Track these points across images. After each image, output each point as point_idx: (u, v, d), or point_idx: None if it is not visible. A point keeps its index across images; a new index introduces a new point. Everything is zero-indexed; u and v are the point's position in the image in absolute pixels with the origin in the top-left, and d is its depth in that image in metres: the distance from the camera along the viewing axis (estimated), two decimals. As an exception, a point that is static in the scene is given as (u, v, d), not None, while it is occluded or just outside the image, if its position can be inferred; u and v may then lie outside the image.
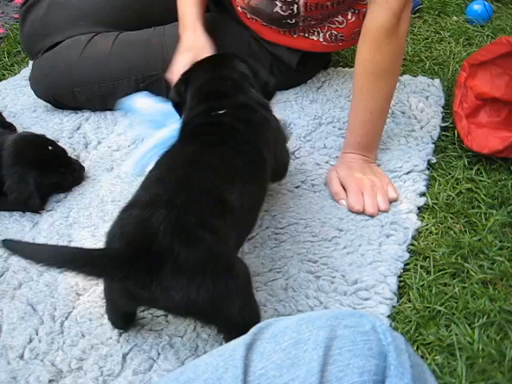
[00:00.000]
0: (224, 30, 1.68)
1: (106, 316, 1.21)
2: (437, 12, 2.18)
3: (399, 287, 1.22)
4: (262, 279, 1.25)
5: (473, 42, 1.97)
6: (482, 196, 1.40)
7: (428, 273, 1.24)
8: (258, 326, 0.74)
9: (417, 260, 1.27)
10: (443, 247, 1.29)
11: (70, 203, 1.53)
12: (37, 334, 1.20)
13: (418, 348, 1.11)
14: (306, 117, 1.71)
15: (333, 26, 1.65)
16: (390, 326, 1.13)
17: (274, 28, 1.67)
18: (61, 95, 1.81)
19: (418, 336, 1.13)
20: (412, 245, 1.30)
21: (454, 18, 2.13)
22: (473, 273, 1.22)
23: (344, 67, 1.92)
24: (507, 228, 1.32)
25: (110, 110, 1.82)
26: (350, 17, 1.63)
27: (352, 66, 1.83)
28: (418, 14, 2.17)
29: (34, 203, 1.49)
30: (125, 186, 1.54)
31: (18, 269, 1.35)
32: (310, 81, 1.85)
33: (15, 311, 1.25)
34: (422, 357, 1.08)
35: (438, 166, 1.51)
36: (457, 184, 1.45)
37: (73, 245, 1.39)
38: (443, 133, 1.60)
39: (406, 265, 1.27)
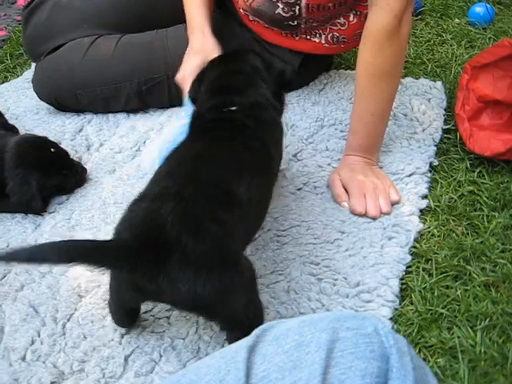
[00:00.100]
0: (226, 32, 1.68)
1: (107, 318, 1.21)
2: (439, 14, 2.18)
3: (401, 290, 1.22)
4: (264, 281, 1.25)
5: (475, 44, 1.97)
6: (484, 198, 1.40)
7: (430, 275, 1.24)
8: (260, 328, 0.74)
9: (419, 262, 1.27)
10: (445, 250, 1.29)
11: (72, 205, 1.53)
12: (39, 336, 1.20)
13: (420, 350, 1.10)
14: (308, 119, 1.71)
15: (334, 27, 1.65)
16: (392, 328, 1.13)
17: (275, 30, 1.68)
18: (63, 98, 1.82)
19: (420, 338, 1.12)
20: (414, 247, 1.30)
21: (456, 20, 2.13)
22: (475, 275, 1.22)
23: (346, 69, 1.92)
24: (509, 230, 1.32)
25: (113, 112, 1.83)
26: (351, 18, 1.63)
27: (354, 69, 1.83)
28: (419, 17, 2.17)
29: (36, 205, 1.49)
30: (127, 188, 1.55)
31: (20, 271, 1.35)
32: (312, 83, 1.85)
33: (17, 313, 1.25)
34: (424, 359, 1.08)
35: (440, 168, 1.51)
36: (459, 186, 1.45)
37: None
38: (445, 135, 1.60)
39: (408, 267, 1.27)
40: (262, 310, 1.09)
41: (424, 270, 1.25)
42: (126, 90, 1.77)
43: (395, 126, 1.63)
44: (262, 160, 1.18)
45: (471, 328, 1.13)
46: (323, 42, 1.69)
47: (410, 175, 1.48)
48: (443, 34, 2.06)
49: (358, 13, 1.62)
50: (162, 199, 0.99)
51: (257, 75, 1.29)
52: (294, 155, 1.59)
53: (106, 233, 1.41)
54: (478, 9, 2.09)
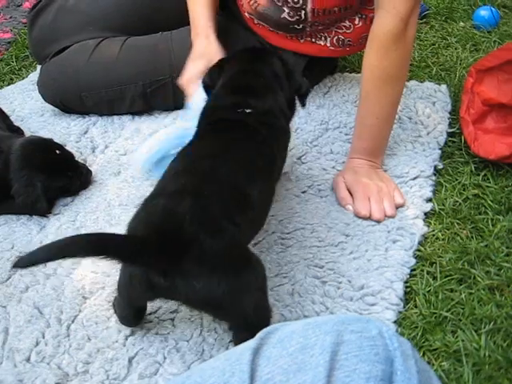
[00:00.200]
0: (231, 35, 1.68)
1: (112, 319, 1.22)
2: (444, 18, 2.17)
3: (405, 293, 1.22)
4: (269, 284, 1.24)
5: (480, 47, 1.97)
6: (489, 202, 1.39)
7: (434, 278, 1.24)
8: (264, 330, 0.74)
9: (423, 266, 1.27)
10: (450, 253, 1.28)
11: (77, 207, 1.54)
12: (43, 337, 1.20)
13: (424, 354, 1.10)
14: (312, 122, 1.71)
15: (340, 30, 1.66)
16: (396, 331, 1.13)
17: (280, 33, 1.68)
18: (68, 100, 1.82)
19: (424, 342, 1.12)
20: (418, 250, 1.30)
21: (461, 23, 2.13)
22: (479, 279, 1.22)
23: (351, 73, 1.92)
24: (514, 234, 1.32)
25: (117, 114, 1.83)
26: (357, 22, 1.63)
27: (359, 72, 1.83)
28: (424, 20, 2.17)
29: (42, 207, 1.49)
30: (132, 190, 1.55)
31: (25, 272, 1.35)
32: (317, 86, 1.85)
33: (22, 314, 1.26)
34: (429, 363, 1.08)
35: (445, 171, 1.51)
36: (463, 190, 1.44)
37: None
38: (450, 138, 1.60)
39: (412, 270, 1.27)
40: (271, 311, 1.10)
41: (428, 273, 1.25)
42: (131, 92, 1.77)
43: (400, 129, 1.63)
44: (270, 165, 1.20)
45: (475, 331, 1.13)
46: (328, 44, 1.69)
47: (415, 178, 1.48)
48: (448, 38, 2.05)
49: (364, 16, 1.62)
50: (179, 197, 1.01)
51: (276, 81, 1.31)
52: (299, 158, 1.59)
53: (110, 235, 1.41)
54: (483, 12, 2.08)
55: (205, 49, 1.53)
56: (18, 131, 1.77)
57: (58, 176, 1.53)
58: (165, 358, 1.14)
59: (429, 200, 1.42)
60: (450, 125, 1.64)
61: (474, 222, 1.36)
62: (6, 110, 1.83)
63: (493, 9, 2.09)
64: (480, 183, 1.45)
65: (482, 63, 1.55)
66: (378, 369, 0.67)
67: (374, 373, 0.66)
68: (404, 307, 1.19)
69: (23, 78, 2.15)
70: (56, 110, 1.89)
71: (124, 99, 1.79)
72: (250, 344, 0.72)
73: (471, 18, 2.13)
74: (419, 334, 1.13)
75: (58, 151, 1.55)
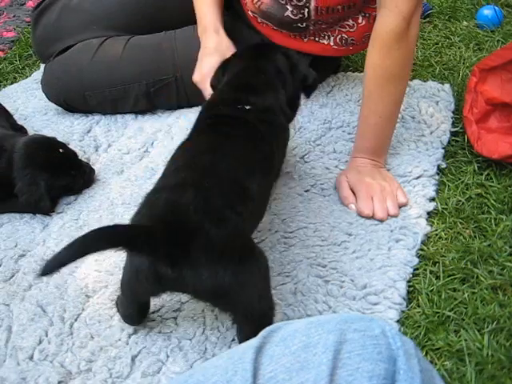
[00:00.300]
0: (235, 34, 1.68)
1: (115, 318, 1.22)
2: (447, 17, 2.17)
3: (408, 292, 1.22)
4: (271, 283, 1.25)
5: (483, 47, 1.97)
6: (492, 201, 1.39)
7: (437, 278, 1.24)
8: (267, 329, 0.74)
9: (426, 265, 1.27)
10: (453, 252, 1.28)
11: (80, 206, 1.54)
12: (46, 336, 1.21)
13: (426, 353, 1.10)
14: (315, 121, 1.71)
15: (343, 29, 1.65)
16: (399, 330, 1.13)
17: (284, 32, 1.68)
18: (72, 99, 1.82)
19: (426, 341, 1.12)
20: (421, 250, 1.30)
21: (465, 22, 2.13)
22: (482, 278, 1.22)
23: (354, 72, 1.92)
24: (517, 233, 1.32)
25: (121, 113, 1.83)
26: (360, 20, 1.63)
27: (362, 71, 1.83)
28: (428, 19, 2.17)
29: (45, 205, 1.50)
30: (135, 188, 1.55)
31: (28, 270, 1.36)
32: (320, 85, 1.85)
33: (25, 312, 1.26)
34: (431, 362, 1.08)
35: (448, 171, 1.51)
36: (466, 189, 1.44)
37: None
38: (453, 138, 1.60)
39: (415, 270, 1.26)
40: (274, 305, 1.11)
41: (431, 272, 1.25)
42: (135, 91, 1.77)
43: (403, 129, 1.63)
44: (269, 161, 1.22)
45: (478, 331, 1.12)
46: (332, 43, 1.69)
47: (418, 178, 1.48)
48: (451, 37, 2.05)
49: (367, 15, 1.62)
50: (181, 189, 1.03)
51: (278, 79, 1.33)
52: (302, 157, 1.59)
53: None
54: (487, 11, 2.08)
55: (216, 44, 1.53)
56: (21, 130, 1.78)
57: (62, 175, 1.53)
58: (168, 356, 1.15)
59: (432, 199, 1.42)
60: (454, 124, 1.64)
61: (477, 222, 1.35)
62: (9, 109, 1.84)
63: (496, 8, 2.08)
64: (483, 182, 1.45)
65: (485, 62, 1.55)
66: (381, 368, 0.67)
67: (376, 372, 0.67)
68: (407, 306, 1.19)
69: (27, 77, 2.16)
70: (59, 108, 1.89)
71: (127, 98, 1.79)
72: (253, 343, 0.72)
73: (474, 17, 2.13)
74: (422, 333, 1.13)
75: (61, 150, 1.56)
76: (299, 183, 1.51)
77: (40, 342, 1.20)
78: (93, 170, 1.60)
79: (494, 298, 1.18)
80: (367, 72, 1.43)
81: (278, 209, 1.43)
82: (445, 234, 1.33)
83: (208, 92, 1.43)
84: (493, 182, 1.45)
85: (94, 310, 1.25)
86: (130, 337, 1.19)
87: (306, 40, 1.69)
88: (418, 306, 1.19)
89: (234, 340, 1.15)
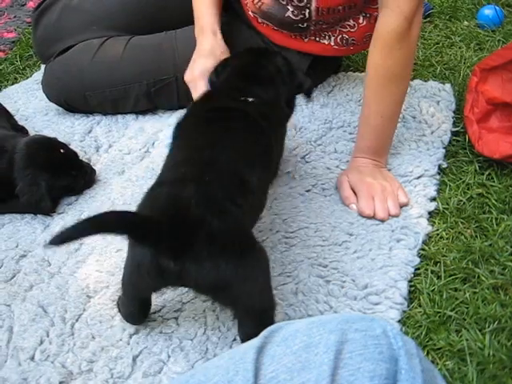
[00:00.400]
0: (235, 34, 1.68)
1: (116, 318, 1.22)
2: (448, 17, 2.17)
3: (410, 292, 1.22)
4: (272, 283, 1.24)
5: (484, 46, 1.97)
6: (493, 201, 1.39)
7: (439, 278, 1.24)
8: (268, 329, 0.74)
9: (427, 265, 1.27)
10: (454, 252, 1.28)
11: (81, 206, 1.54)
12: (47, 336, 1.21)
13: (428, 353, 1.10)
14: (316, 121, 1.71)
15: (344, 29, 1.65)
16: (401, 330, 1.12)
17: (285, 32, 1.68)
18: (73, 99, 1.82)
19: (428, 341, 1.12)
20: (422, 249, 1.30)
21: (465, 22, 2.13)
22: (484, 278, 1.22)
23: (354, 72, 1.91)
24: (518, 233, 1.32)
25: (121, 113, 1.83)
26: (361, 21, 1.63)
27: (362, 71, 1.83)
28: (428, 19, 2.17)
29: (46, 206, 1.50)
30: (136, 189, 1.55)
31: (29, 271, 1.36)
32: (321, 85, 1.85)
33: (26, 313, 1.26)
34: (433, 362, 1.08)
35: (449, 170, 1.51)
36: (468, 189, 1.44)
37: (84, 246, 1.40)
38: (454, 138, 1.60)
39: (416, 270, 1.26)
40: (274, 300, 1.11)
41: (432, 272, 1.25)
42: (135, 91, 1.77)
43: (404, 129, 1.63)
44: (268, 155, 1.23)
45: (480, 331, 1.12)
46: (332, 43, 1.69)
47: (419, 177, 1.48)
48: (452, 37, 2.05)
49: (368, 15, 1.62)
50: (182, 183, 1.04)
51: (278, 77, 1.34)
52: (303, 157, 1.59)
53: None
54: (487, 11, 2.08)
55: (212, 47, 1.53)
56: (22, 130, 1.78)
57: (62, 175, 1.53)
58: (169, 356, 1.15)
59: (433, 199, 1.42)
60: (454, 124, 1.64)
61: (478, 221, 1.35)
62: (10, 110, 1.84)
63: (497, 8, 2.08)
64: (484, 182, 1.45)
65: (486, 62, 1.55)
66: (383, 367, 0.67)
67: (378, 371, 0.66)
68: (408, 306, 1.19)
69: (27, 78, 2.15)
70: (60, 109, 1.89)
71: (128, 98, 1.79)
72: (254, 343, 0.72)
73: (475, 17, 2.12)
74: (423, 333, 1.13)
75: (62, 150, 1.55)
76: (300, 183, 1.51)
77: (41, 342, 1.20)
78: (94, 171, 1.60)
79: (496, 298, 1.18)
80: (369, 72, 1.43)
81: (279, 209, 1.43)
82: (446, 234, 1.33)
83: (197, 93, 1.44)
84: (494, 181, 1.45)
85: (95, 310, 1.25)
86: (131, 337, 1.19)
87: (306, 40, 1.69)
88: (420, 306, 1.19)
89: (235, 340, 1.15)
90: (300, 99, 1.77)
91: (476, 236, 1.32)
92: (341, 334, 0.69)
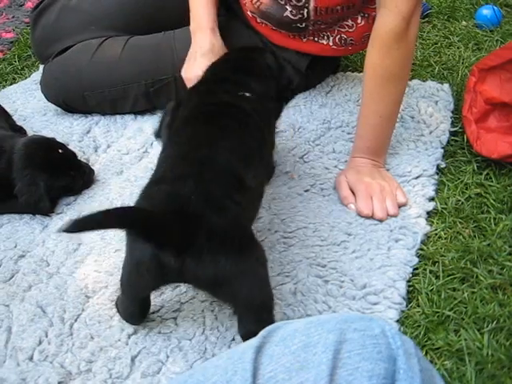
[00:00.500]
0: (233, 34, 1.69)
1: (115, 318, 1.22)
2: (446, 17, 2.17)
3: (408, 292, 1.22)
4: (271, 283, 1.25)
5: (482, 46, 1.97)
6: (492, 201, 1.39)
7: (437, 277, 1.24)
8: (266, 329, 0.74)
9: (426, 265, 1.27)
10: (452, 252, 1.28)
11: (80, 206, 1.54)
12: (46, 336, 1.21)
13: (426, 353, 1.10)
14: (314, 121, 1.71)
15: (342, 29, 1.66)
16: (399, 330, 1.12)
17: (283, 32, 1.68)
18: (71, 99, 1.82)
19: (426, 341, 1.12)
20: (421, 249, 1.30)
21: (463, 22, 2.13)
22: (482, 278, 1.22)
23: (353, 72, 1.92)
24: (517, 233, 1.32)
25: (120, 113, 1.83)
26: (359, 21, 1.63)
27: (361, 71, 1.83)
28: (427, 19, 2.17)
29: (44, 206, 1.50)
30: (134, 189, 1.55)
31: (28, 271, 1.36)
32: (319, 85, 1.85)
33: (25, 313, 1.26)
34: (431, 362, 1.08)
35: (447, 170, 1.51)
36: (466, 189, 1.44)
37: (82, 247, 1.40)
38: (452, 137, 1.60)
39: (414, 269, 1.27)
40: (273, 295, 1.12)
41: (431, 272, 1.25)
42: (134, 91, 1.77)
43: (402, 129, 1.63)
44: (263, 149, 1.24)
45: (478, 330, 1.12)
46: (331, 44, 1.69)
47: (417, 177, 1.48)
48: (450, 37, 2.05)
49: (366, 15, 1.62)
50: (181, 181, 1.04)
51: (268, 72, 1.36)
52: (301, 157, 1.59)
53: (113, 234, 1.41)
54: (486, 11, 2.08)
55: (212, 45, 1.54)
56: (20, 131, 1.78)
57: (61, 175, 1.53)
58: (167, 356, 1.15)
59: (431, 199, 1.42)
60: (453, 124, 1.64)
61: (477, 221, 1.36)
62: (8, 110, 1.84)
63: (495, 8, 2.09)
64: (482, 182, 1.45)
65: (484, 62, 1.55)
66: (381, 367, 0.67)
67: (376, 371, 0.66)
68: (407, 306, 1.19)
69: (26, 78, 2.15)
70: (59, 109, 1.89)
71: (127, 98, 1.79)
72: (253, 342, 0.72)
73: (473, 17, 2.13)
74: (422, 332, 1.13)
75: (60, 150, 1.55)
76: (299, 183, 1.51)
77: (40, 342, 1.20)
78: (92, 171, 1.60)
79: (494, 298, 1.18)
80: (367, 72, 1.43)
81: (277, 209, 1.43)
82: (444, 234, 1.33)
83: None
84: (492, 181, 1.45)
85: (93, 310, 1.25)
86: (129, 337, 1.19)
87: (305, 40, 1.69)
88: (418, 306, 1.19)
89: (233, 340, 1.16)
90: (299, 99, 1.79)
91: (474, 236, 1.32)
92: (339, 334, 0.69)
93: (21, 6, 2.72)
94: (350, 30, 1.66)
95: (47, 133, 1.77)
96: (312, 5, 1.56)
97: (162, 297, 1.25)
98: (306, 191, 1.49)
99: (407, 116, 1.67)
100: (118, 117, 1.83)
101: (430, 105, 1.71)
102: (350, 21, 1.64)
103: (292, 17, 1.61)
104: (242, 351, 0.71)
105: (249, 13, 1.70)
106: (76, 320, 1.24)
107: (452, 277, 1.23)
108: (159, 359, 1.14)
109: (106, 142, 1.75)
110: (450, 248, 1.30)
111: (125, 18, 1.81)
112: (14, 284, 1.34)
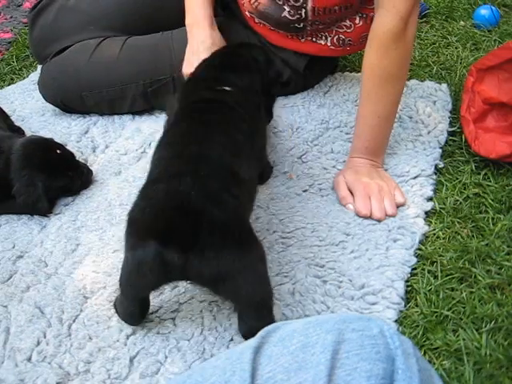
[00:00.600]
0: (231, 34, 1.69)
1: (113, 319, 1.22)
2: (444, 17, 2.17)
3: (406, 292, 1.22)
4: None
5: (480, 46, 1.97)
6: (490, 201, 1.39)
7: (435, 277, 1.24)
8: (265, 329, 0.74)
9: (424, 265, 1.27)
10: (450, 252, 1.28)
11: (78, 206, 1.54)
12: (44, 337, 1.21)
13: (425, 353, 1.10)
14: (313, 121, 1.71)
15: (340, 30, 1.66)
16: (398, 330, 1.13)
17: (281, 32, 1.68)
18: (69, 99, 1.82)
19: (425, 341, 1.12)
20: (419, 249, 1.30)
21: (462, 22, 2.13)
22: (480, 278, 1.22)
23: (351, 72, 1.92)
24: (515, 233, 1.32)
25: (118, 114, 1.83)
26: (357, 21, 1.63)
27: (359, 71, 1.83)
28: (425, 19, 2.17)
29: (42, 206, 1.49)
30: (132, 189, 1.54)
31: (26, 272, 1.36)
32: (317, 85, 1.85)
33: (23, 314, 1.26)
34: (430, 362, 1.08)
35: (446, 170, 1.51)
36: (464, 189, 1.44)
37: (80, 247, 1.40)
38: (450, 137, 1.60)
39: (413, 269, 1.27)
40: (272, 291, 1.13)
41: (429, 272, 1.25)
42: (132, 91, 1.77)
43: (400, 129, 1.63)
44: (251, 140, 1.25)
45: (476, 330, 1.13)
46: (329, 44, 1.69)
47: (416, 177, 1.48)
48: (448, 37, 2.05)
49: (364, 15, 1.62)
50: (178, 179, 1.05)
51: (255, 65, 1.39)
52: (299, 157, 1.59)
53: (111, 234, 1.42)
54: (484, 11, 2.08)
55: (213, 40, 1.55)
56: (18, 131, 1.78)
57: (59, 176, 1.53)
58: (166, 357, 1.15)
59: (429, 199, 1.42)
60: (451, 124, 1.64)
61: (475, 221, 1.36)
62: (6, 110, 1.84)
63: (493, 8, 2.09)
64: (481, 182, 1.45)
65: (482, 62, 1.55)
66: (379, 367, 0.67)
67: (375, 371, 0.66)
68: (405, 306, 1.19)
69: (24, 78, 2.15)
70: (57, 109, 1.89)
71: (125, 99, 1.79)
72: (251, 343, 0.72)
73: (471, 17, 2.13)
74: (420, 332, 1.13)
75: (58, 151, 1.55)
76: (297, 183, 1.51)
77: (38, 343, 1.20)
78: (90, 171, 1.60)
79: (492, 298, 1.18)
80: (365, 72, 1.43)
81: (275, 209, 1.43)
82: (443, 234, 1.34)
83: None
84: (490, 181, 1.45)
85: (92, 311, 1.25)
86: (128, 338, 1.19)
87: (303, 40, 1.69)
88: (416, 306, 1.19)
89: (232, 340, 1.15)
90: (297, 99, 1.79)
91: (473, 236, 1.32)
92: (338, 334, 0.69)
93: (19, 6, 2.71)
94: (348, 31, 1.66)
95: (45, 133, 1.76)
96: (310, 5, 1.56)
97: (161, 297, 1.24)
98: (305, 191, 1.49)
99: (405, 116, 1.67)
100: (116, 117, 1.83)
101: (428, 105, 1.71)
102: (347, 21, 1.64)
103: (290, 17, 1.61)
104: (241, 351, 0.71)
105: (247, 13, 1.70)
106: (74, 321, 1.23)
107: (450, 277, 1.23)
108: (158, 360, 1.14)
109: (104, 143, 1.74)
110: (448, 248, 1.30)
111: (123, 18, 1.81)
112: (12, 285, 1.34)
